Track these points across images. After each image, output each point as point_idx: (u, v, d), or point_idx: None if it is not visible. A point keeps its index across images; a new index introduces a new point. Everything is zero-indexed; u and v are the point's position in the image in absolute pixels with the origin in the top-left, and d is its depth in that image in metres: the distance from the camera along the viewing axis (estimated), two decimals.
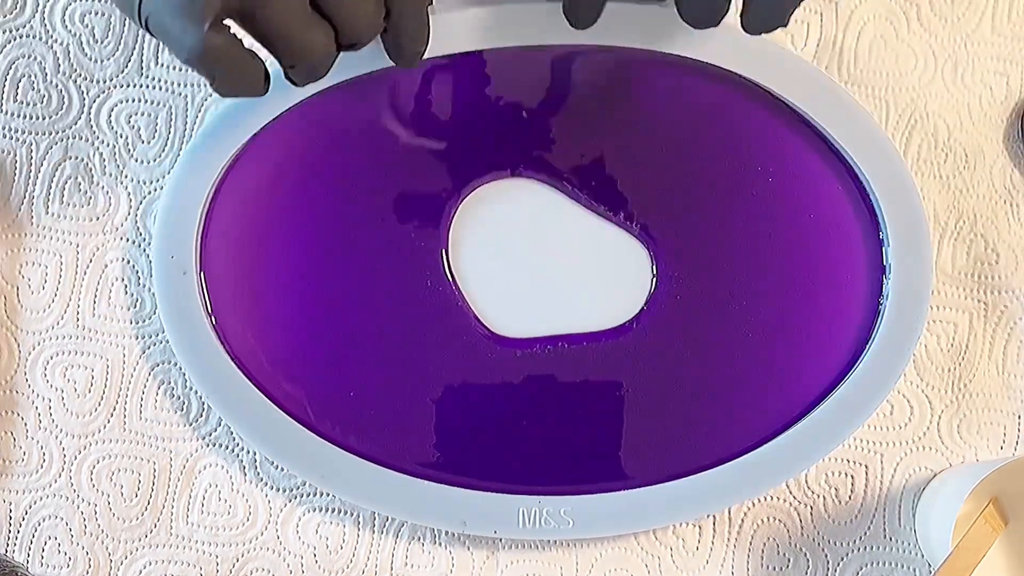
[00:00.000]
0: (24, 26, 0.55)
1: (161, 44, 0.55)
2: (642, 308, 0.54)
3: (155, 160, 0.55)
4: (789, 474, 0.54)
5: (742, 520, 0.55)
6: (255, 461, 0.56)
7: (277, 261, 0.54)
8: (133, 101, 0.55)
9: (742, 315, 0.54)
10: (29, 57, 0.55)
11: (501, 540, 0.56)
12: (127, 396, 0.56)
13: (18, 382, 0.56)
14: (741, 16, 0.47)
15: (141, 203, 0.55)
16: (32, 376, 0.56)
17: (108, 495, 0.56)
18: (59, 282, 0.56)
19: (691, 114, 0.54)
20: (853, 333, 0.54)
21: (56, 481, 0.56)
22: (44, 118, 0.55)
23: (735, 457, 0.54)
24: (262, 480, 0.56)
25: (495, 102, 0.54)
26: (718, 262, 0.54)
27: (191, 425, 0.56)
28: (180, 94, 0.55)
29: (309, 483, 0.55)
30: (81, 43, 0.55)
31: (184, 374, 0.55)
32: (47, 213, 0.56)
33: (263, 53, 0.44)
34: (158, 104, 0.55)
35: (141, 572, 0.56)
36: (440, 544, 0.56)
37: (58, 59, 0.55)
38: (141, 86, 0.55)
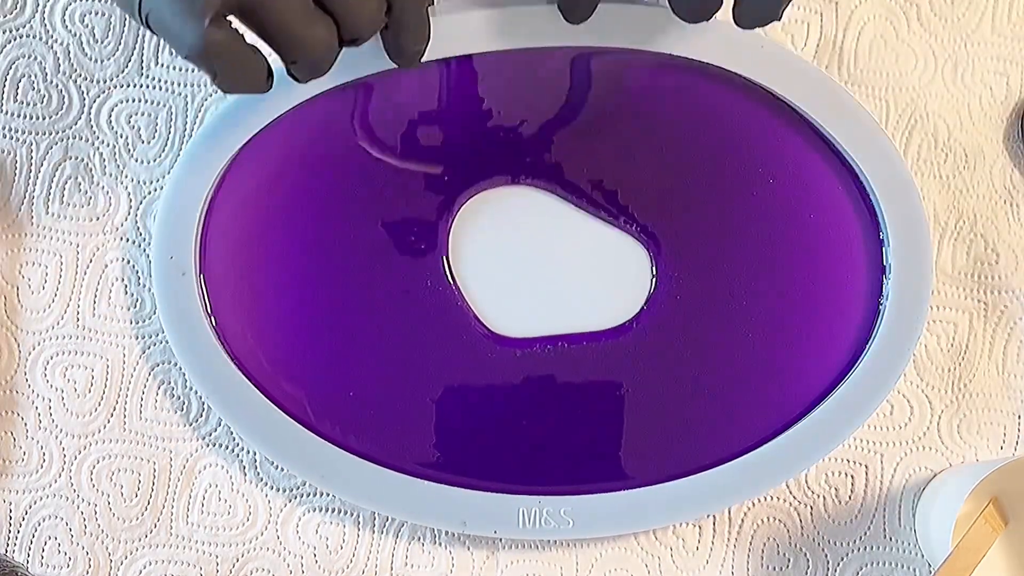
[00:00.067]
0: (24, 26, 0.55)
1: (161, 44, 0.55)
2: (642, 308, 0.54)
3: (155, 160, 0.55)
4: (789, 474, 0.54)
5: (742, 520, 0.55)
6: (255, 461, 0.56)
7: (277, 261, 0.54)
8: (133, 101, 0.55)
9: (742, 315, 0.54)
10: (29, 57, 0.55)
11: (501, 540, 0.56)
12: (127, 396, 0.56)
13: (18, 382, 0.56)
14: (733, 9, 0.47)
15: (141, 203, 0.55)
16: (32, 376, 0.56)
17: (108, 495, 0.56)
18: (59, 282, 0.56)
19: (691, 114, 0.54)
20: (853, 333, 0.54)
21: (56, 481, 0.56)
22: (44, 118, 0.55)
23: (735, 457, 0.54)
24: (262, 480, 0.56)
25: (495, 104, 0.53)
26: (718, 262, 0.54)
27: (191, 425, 0.56)
28: (180, 94, 0.55)
29: (309, 483, 0.55)
30: (81, 43, 0.55)
31: (184, 374, 0.55)
32: (47, 213, 0.56)
33: (266, 50, 0.44)
34: (158, 104, 0.55)
35: (141, 572, 0.56)
36: (440, 544, 0.56)
37: (58, 59, 0.55)
38: (141, 86, 0.55)
